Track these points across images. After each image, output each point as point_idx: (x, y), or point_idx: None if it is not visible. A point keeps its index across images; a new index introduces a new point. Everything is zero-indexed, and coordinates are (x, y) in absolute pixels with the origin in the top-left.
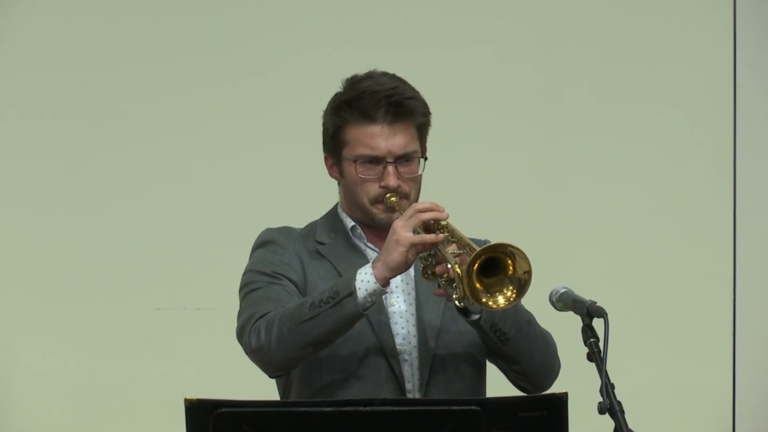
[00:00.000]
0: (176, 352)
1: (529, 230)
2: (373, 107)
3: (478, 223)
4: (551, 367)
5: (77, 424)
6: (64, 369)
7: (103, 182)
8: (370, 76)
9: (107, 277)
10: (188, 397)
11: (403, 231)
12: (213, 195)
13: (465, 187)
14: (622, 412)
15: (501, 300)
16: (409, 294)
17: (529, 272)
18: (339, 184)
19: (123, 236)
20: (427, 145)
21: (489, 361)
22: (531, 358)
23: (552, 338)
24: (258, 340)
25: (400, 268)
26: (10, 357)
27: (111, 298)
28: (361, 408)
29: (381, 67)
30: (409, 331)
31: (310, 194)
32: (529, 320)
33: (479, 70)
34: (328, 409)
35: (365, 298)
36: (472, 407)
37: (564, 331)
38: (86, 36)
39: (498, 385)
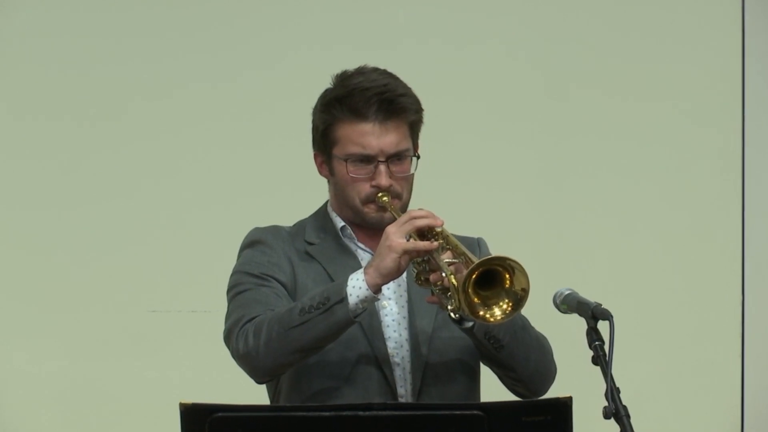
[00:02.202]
0: (171, 355)
1: (534, 231)
2: (365, 105)
3: (482, 224)
4: (547, 372)
5: (70, 428)
6: (57, 372)
7: (97, 182)
8: (361, 71)
9: (101, 279)
10: (183, 401)
11: (395, 237)
12: (209, 195)
13: (468, 187)
14: (628, 416)
15: (498, 313)
16: (401, 296)
17: (526, 290)
18: (329, 182)
19: (117, 237)
20: (430, 144)
21: (484, 365)
22: (527, 364)
23: (548, 342)
24: (246, 345)
25: (393, 275)
26: (1, 360)
27: (105, 300)
28: (361, 412)
29: (381, 65)
30: (401, 335)
31: (309, 194)
32: (523, 325)
33: (482, 68)
34: (327, 413)
35: (356, 304)
36: (475, 412)
37: (568, 333)
38: (77, 32)
39: (494, 390)
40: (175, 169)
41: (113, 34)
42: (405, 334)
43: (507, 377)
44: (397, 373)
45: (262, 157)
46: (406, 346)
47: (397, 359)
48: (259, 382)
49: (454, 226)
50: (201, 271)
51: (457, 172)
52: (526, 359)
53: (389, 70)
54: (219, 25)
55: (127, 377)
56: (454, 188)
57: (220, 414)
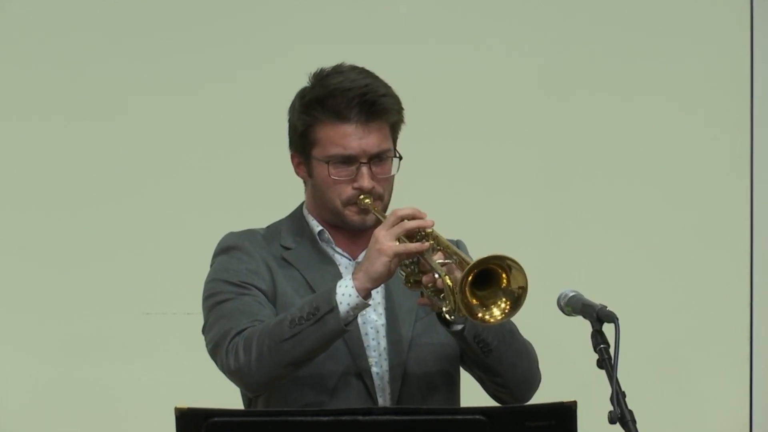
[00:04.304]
0: (166, 358)
1: (538, 231)
2: (346, 106)
3: (484, 225)
4: (533, 379)
5: None
6: (51, 375)
7: (91, 184)
8: (339, 71)
9: (95, 281)
10: (179, 406)
11: (386, 240)
12: (205, 197)
13: (469, 188)
14: (634, 421)
15: (497, 312)
16: (379, 304)
17: (524, 289)
18: (305, 183)
19: (111, 238)
20: (431, 146)
21: (467, 371)
22: (514, 370)
23: (534, 349)
24: (237, 361)
25: (383, 279)
26: None
27: (99, 302)
28: (360, 417)
29: (379, 64)
30: (379, 343)
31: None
32: (511, 330)
33: (483, 66)
34: (325, 418)
35: (347, 312)
36: (477, 416)
37: (572, 336)
38: (73, 31)
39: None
40: (172, 170)
41: (109, 33)
42: (384, 342)
43: (492, 383)
44: (377, 381)
45: (259, 158)
46: (385, 354)
47: (376, 368)
48: (253, 396)
49: (455, 228)
50: (197, 273)
51: (458, 173)
52: (513, 365)
53: (390, 70)
54: (216, 24)
55: (122, 381)
56: (455, 189)
57: (216, 419)
